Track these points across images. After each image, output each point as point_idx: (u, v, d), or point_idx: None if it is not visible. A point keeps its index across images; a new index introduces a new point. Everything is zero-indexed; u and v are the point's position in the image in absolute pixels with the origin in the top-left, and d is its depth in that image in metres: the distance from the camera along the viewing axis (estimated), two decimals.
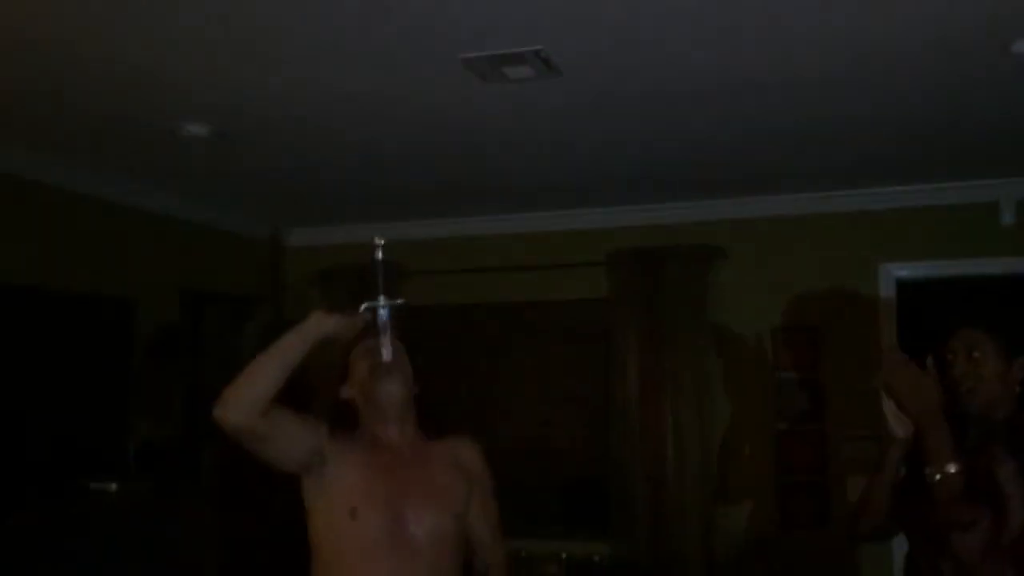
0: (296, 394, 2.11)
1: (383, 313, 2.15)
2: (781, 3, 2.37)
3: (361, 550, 2.10)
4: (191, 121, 3.27)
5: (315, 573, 2.19)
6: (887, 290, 4.38)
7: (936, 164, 4.01)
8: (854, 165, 4.02)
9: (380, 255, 2.15)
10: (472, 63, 2.73)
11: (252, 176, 4.08)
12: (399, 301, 2.18)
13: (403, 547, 2.11)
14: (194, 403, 4.48)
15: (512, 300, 4.96)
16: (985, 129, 3.48)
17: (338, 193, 4.47)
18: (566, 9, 2.39)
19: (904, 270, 4.40)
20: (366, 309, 2.15)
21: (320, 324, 2.07)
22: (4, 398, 3.58)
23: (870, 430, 4.14)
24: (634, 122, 3.38)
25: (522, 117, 3.29)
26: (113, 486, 3.74)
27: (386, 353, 2.15)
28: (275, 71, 2.83)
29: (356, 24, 2.47)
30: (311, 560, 2.20)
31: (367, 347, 2.24)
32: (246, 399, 1.99)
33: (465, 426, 2.46)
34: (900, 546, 3.02)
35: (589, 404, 4.85)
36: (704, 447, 4.46)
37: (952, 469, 2.00)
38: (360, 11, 2.39)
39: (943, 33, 2.56)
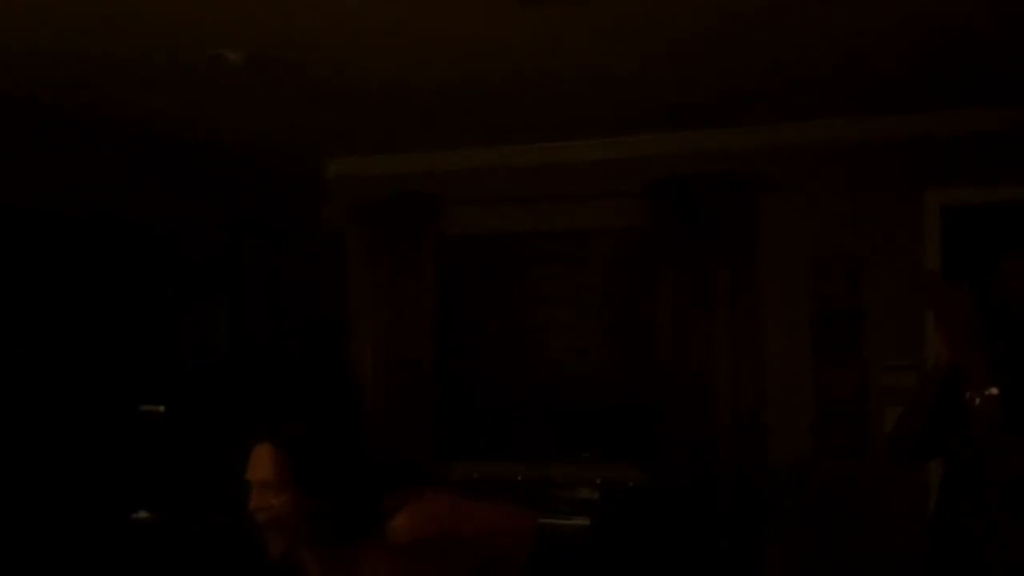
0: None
1: None
2: None
3: None
4: (229, 49, 3.26)
5: None
6: (931, 217, 4.30)
7: (982, 88, 3.90)
8: (898, 89, 3.92)
9: None
10: None
11: (289, 106, 4.08)
12: None
13: None
14: (236, 330, 4.60)
15: (549, 229, 4.94)
16: None
17: (376, 122, 4.45)
18: None
19: (949, 197, 4.30)
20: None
21: None
22: (56, 325, 3.70)
23: (909, 359, 4.17)
24: (670, 48, 3.31)
25: (559, 43, 3.25)
26: (162, 408, 3.89)
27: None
28: None
29: None
30: None
31: None
32: None
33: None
34: (936, 472, 3.04)
35: (625, 333, 4.87)
36: (743, 375, 4.47)
37: (993, 391, 1.99)
38: None
39: None
